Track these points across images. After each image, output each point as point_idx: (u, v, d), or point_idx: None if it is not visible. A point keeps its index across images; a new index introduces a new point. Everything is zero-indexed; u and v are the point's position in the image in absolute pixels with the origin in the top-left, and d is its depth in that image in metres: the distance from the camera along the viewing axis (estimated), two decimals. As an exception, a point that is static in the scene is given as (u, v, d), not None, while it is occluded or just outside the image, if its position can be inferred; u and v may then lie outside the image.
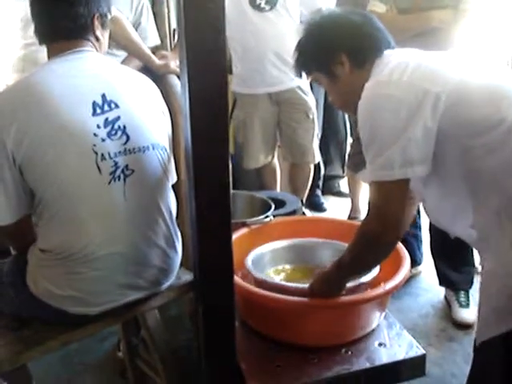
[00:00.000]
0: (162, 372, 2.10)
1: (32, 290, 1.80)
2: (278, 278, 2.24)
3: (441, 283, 3.13)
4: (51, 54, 1.86)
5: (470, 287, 3.03)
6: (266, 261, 2.26)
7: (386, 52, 1.73)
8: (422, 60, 1.64)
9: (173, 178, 1.98)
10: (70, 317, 1.79)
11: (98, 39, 1.90)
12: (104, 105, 1.76)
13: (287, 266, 2.31)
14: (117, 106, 1.78)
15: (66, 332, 1.81)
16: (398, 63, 1.63)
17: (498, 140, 1.48)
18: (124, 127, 1.78)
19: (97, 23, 1.88)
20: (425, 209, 1.79)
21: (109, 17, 1.95)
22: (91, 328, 1.86)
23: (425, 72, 1.57)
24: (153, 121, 1.88)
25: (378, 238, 1.61)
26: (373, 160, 1.57)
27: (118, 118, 1.77)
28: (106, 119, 1.75)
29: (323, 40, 1.78)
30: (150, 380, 2.27)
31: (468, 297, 3.02)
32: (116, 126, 1.76)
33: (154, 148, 1.84)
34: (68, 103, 1.72)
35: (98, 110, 1.75)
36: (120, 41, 2.63)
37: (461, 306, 3.00)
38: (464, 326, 2.90)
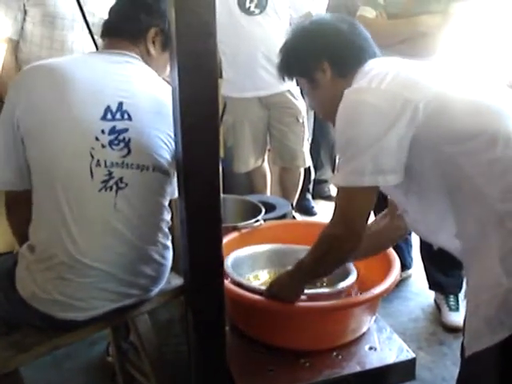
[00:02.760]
0: (152, 376, 2.09)
1: (21, 294, 1.78)
2: (257, 283, 2.24)
3: (430, 287, 3.15)
4: (103, 47, 1.93)
5: (460, 291, 3.04)
6: (244, 265, 2.26)
7: (369, 61, 1.73)
8: (402, 69, 1.64)
9: (173, 194, 1.94)
10: (58, 322, 1.78)
11: (149, 53, 1.92)
12: (117, 113, 1.75)
13: (265, 272, 2.32)
14: (130, 118, 1.76)
15: (55, 337, 1.80)
16: (377, 72, 1.63)
17: (479, 149, 1.48)
18: (129, 140, 1.75)
19: (153, 36, 1.90)
20: (407, 221, 1.79)
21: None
22: (81, 333, 1.85)
23: (404, 80, 1.58)
24: (164, 144, 1.82)
25: (341, 243, 1.64)
26: (345, 165, 1.58)
27: (126, 130, 1.75)
28: (114, 127, 1.73)
29: (307, 46, 1.78)
30: (139, 384, 2.27)
31: (457, 300, 3.04)
32: (121, 137, 1.74)
33: (154, 170, 1.80)
34: (83, 98, 1.73)
35: (109, 116, 1.73)
36: None
37: (450, 309, 3.02)
38: (454, 330, 2.91)
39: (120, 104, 1.76)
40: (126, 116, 1.76)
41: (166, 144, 1.83)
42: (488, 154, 1.47)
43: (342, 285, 1.97)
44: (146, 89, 1.85)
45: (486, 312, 1.46)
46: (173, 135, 1.78)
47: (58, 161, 1.71)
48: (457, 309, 3.01)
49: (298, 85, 1.91)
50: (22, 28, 2.99)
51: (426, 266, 3.13)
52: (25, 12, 2.96)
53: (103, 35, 1.96)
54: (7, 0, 2.95)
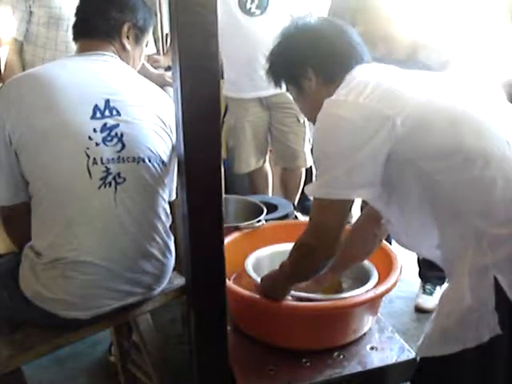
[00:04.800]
0: (154, 376, 2.10)
1: (24, 292, 1.80)
2: None
3: (419, 275, 3.27)
4: (77, 52, 1.92)
5: (440, 284, 3.14)
6: (263, 266, 2.24)
7: (356, 67, 1.70)
8: (384, 79, 1.62)
9: (171, 194, 1.98)
10: (61, 320, 1.79)
11: (124, 49, 1.94)
12: (105, 110, 1.77)
13: None
14: (118, 113, 1.79)
15: (57, 336, 1.81)
16: (358, 82, 1.61)
17: (455, 168, 1.46)
18: (121, 135, 1.78)
19: (126, 32, 1.93)
20: (390, 231, 1.78)
21: (145, 34, 1.99)
22: (83, 332, 1.86)
23: (383, 93, 1.55)
24: (155, 134, 1.86)
25: (313, 253, 1.65)
26: (320, 176, 1.59)
27: (117, 125, 1.78)
28: (104, 124, 1.76)
29: (292, 53, 1.77)
30: (141, 384, 2.27)
31: (434, 287, 3.16)
32: (113, 133, 1.77)
33: (150, 161, 1.83)
34: (70, 101, 1.74)
35: (98, 114, 1.76)
36: None
37: (424, 291, 3.16)
38: (422, 311, 3.06)
39: (107, 101, 1.78)
40: (114, 112, 1.79)
41: (157, 134, 1.86)
42: (465, 173, 1.46)
43: (345, 294, 1.96)
44: (128, 85, 1.88)
45: (444, 323, 1.48)
46: (164, 125, 1.87)
47: (55, 166, 1.72)
48: (430, 293, 3.13)
49: (287, 90, 1.91)
50: (27, 29, 3.01)
51: (418, 262, 3.24)
52: (30, 13, 2.98)
53: (77, 37, 1.95)
54: (14, 1, 2.97)
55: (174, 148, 1.91)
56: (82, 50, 1.92)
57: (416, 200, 1.55)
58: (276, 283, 1.86)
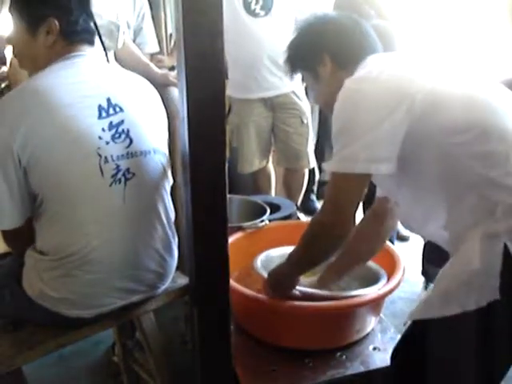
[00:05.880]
0: (157, 375, 2.10)
1: (27, 292, 1.80)
2: None
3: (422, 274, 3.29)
4: (59, 55, 1.82)
5: None
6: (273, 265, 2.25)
7: (369, 57, 1.76)
8: (401, 63, 1.69)
9: (169, 181, 1.99)
10: (64, 319, 1.79)
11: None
12: (109, 108, 1.77)
13: None
14: (121, 109, 1.80)
15: (60, 334, 1.81)
16: (377, 63, 1.68)
17: (472, 142, 1.51)
18: (128, 131, 1.80)
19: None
20: (397, 213, 1.80)
21: None
22: (86, 330, 1.86)
23: (403, 72, 1.62)
24: (154, 125, 1.90)
25: (328, 230, 1.67)
26: (339, 151, 1.61)
27: (122, 121, 1.79)
28: (111, 122, 1.77)
29: (310, 40, 1.84)
30: (144, 383, 2.27)
31: None
32: (120, 130, 1.78)
33: (155, 153, 1.86)
34: (75, 108, 1.72)
35: (104, 114, 1.76)
36: (129, 65, 2.63)
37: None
38: None
39: (108, 99, 1.79)
40: (117, 109, 1.80)
41: (155, 125, 1.91)
42: (481, 146, 1.50)
43: (355, 292, 1.96)
44: (118, 79, 1.90)
45: (447, 286, 1.50)
46: (156, 114, 1.93)
47: (68, 172, 1.71)
48: None
49: (303, 80, 1.95)
50: None
51: (422, 259, 3.24)
52: None
53: (67, 40, 1.82)
54: None
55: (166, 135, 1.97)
56: (64, 53, 1.82)
57: (430, 177, 1.58)
58: (284, 271, 1.86)
